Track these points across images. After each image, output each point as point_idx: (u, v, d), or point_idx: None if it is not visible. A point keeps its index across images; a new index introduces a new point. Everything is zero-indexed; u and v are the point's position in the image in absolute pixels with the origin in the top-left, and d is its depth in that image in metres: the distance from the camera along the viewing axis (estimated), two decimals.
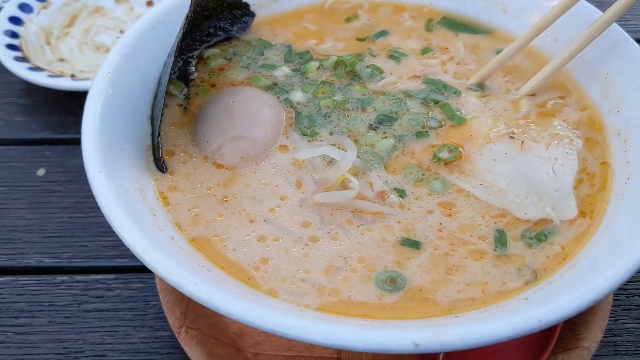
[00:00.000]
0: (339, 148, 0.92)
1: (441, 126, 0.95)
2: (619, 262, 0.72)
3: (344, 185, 0.86)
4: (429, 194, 0.87)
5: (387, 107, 0.97)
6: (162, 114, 0.92)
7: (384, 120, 0.95)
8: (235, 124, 0.95)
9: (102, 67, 0.93)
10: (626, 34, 0.99)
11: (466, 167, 0.90)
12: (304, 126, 0.96)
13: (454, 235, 0.83)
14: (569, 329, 0.95)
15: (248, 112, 0.97)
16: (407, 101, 0.98)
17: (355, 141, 0.93)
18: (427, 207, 0.86)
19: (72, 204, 1.21)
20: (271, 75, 1.05)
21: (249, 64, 1.08)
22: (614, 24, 1.01)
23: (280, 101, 1.00)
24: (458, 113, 0.95)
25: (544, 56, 1.09)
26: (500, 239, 0.82)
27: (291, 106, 1.00)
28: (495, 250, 0.82)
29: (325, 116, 0.97)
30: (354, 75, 1.04)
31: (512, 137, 0.91)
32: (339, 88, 1.01)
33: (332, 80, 1.03)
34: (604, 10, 0.98)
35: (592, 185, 0.89)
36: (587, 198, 0.87)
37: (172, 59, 0.94)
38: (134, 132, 0.92)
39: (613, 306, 1.01)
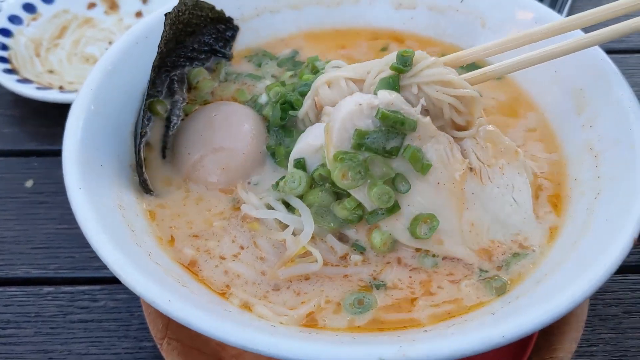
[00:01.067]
0: (286, 206, 0.88)
1: (407, 190, 0.85)
2: (583, 278, 0.74)
3: (305, 254, 0.84)
4: (411, 269, 0.86)
5: (349, 181, 0.83)
6: (142, 133, 0.94)
7: (345, 195, 0.87)
8: (216, 136, 0.97)
9: (84, 83, 0.95)
10: (600, 49, 1.01)
11: (446, 227, 0.86)
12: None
13: (422, 280, 0.85)
14: (544, 339, 0.96)
15: (229, 125, 0.99)
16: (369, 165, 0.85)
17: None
18: (388, 260, 0.87)
19: (59, 215, 1.23)
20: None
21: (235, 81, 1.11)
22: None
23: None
24: (424, 161, 0.85)
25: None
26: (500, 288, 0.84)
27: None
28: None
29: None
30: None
31: (471, 170, 0.89)
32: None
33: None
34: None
35: (552, 201, 0.93)
36: (553, 218, 0.91)
37: (151, 77, 0.96)
38: (115, 148, 0.94)
39: (589, 316, 1.03)
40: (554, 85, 1.05)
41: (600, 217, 0.84)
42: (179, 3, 1.03)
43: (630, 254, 1.09)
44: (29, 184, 1.28)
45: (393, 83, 0.88)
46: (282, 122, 0.98)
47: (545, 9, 1.10)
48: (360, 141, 0.84)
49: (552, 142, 1.03)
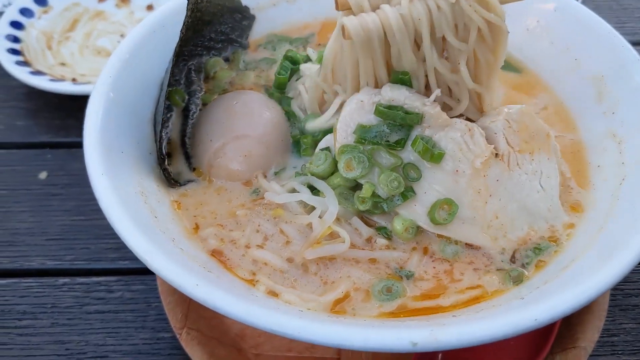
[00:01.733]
0: (311, 189, 0.88)
1: (419, 178, 0.85)
2: (613, 262, 0.74)
3: (331, 235, 0.84)
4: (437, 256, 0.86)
5: (354, 171, 0.85)
6: (163, 120, 0.94)
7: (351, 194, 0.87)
8: (238, 124, 0.96)
9: (103, 71, 0.94)
10: (621, 37, 1.00)
11: (467, 215, 0.85)
12: None
13: (446, 269, 0.85)
14: (566, 328, 0.96)
15: (250, 113, 0.98)
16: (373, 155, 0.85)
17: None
18: (413, 245, 0.87)
19: (74, 206, 1.22)
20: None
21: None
22: (610, 27, 1.02)
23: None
24: (436, 150, 0.84)
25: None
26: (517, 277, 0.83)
27: None
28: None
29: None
30: None
31: (496, 155, 0.86)
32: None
33: None
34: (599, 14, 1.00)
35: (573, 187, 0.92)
36: (574, 201, 0.90)
37: (171, 65, 0.95)
38: (135, 135, 0.94)
39: (610, 306, 1.02)
40: (574, 74, 1.04)
41: (625, 203, 0.84)
42: None
43: None
44: (42, 175, 1.28)
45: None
46: (283, 76, 1.01)
47: None
48: (362, 135, 0.85)
49: (572, 130, 1.02)
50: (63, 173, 1.28)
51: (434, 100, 0.86)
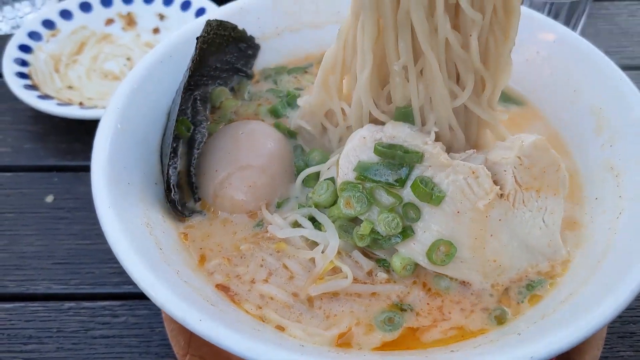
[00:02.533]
0: (313, 222, 0.90)
1: (418, 218, 0.85)
2: (610, 297, 0.75)
3: (333, 270, 0.86)
4: (433, 291, 0.87)
5: (353, 209, 0.86)
6: (170, 150, 0.96)
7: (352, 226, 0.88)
8: (244, 154, 0.98)
9: (110, 102, 0.96)
10: (619, 69, 1.02)
11: (466, 255, 0.85)
12: None
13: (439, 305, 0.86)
14: (564, 357, 0.97)
15: (256, 143, 1.01)
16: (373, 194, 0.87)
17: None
18: (413, 279, 0.88)
19: (80, 230, 1.24)
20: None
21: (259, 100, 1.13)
22: (608, 59, 1.04)
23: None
24: (435, 193, 0.84)
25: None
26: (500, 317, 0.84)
27: None
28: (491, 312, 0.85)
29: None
30: None
31: (501, 196, 0.85)
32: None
33: None
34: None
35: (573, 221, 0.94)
36: (574, 237, 0.91)
37: (180, 97, 0.97)
38: (142, 166, 0.95)
39: (608, 334, 1.04)
40: (573, 105, 1.06)
41: (622, 237, 0.85)
42: (205, 24, 1.04)
43: None
44: (49, 199, 1.30)
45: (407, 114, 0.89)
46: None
47: (565, 30, 1.11)
48: (363, 173, 0.87)
49: (570, 161, 1.03)
50: (69, 196, 1.30)
51: (435, 135, 0.88)
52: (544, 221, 0.87)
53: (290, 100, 1.10)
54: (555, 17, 1.48)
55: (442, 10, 0.81)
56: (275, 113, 1.09)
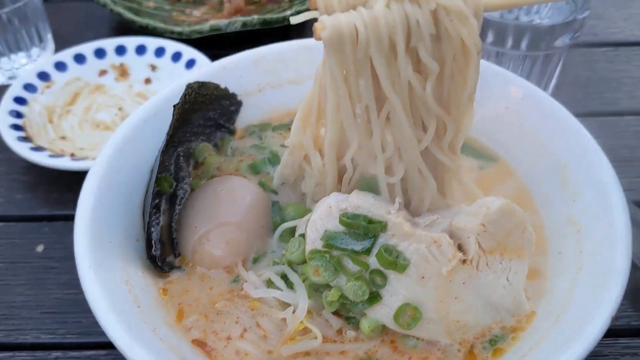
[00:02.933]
0: (285, 281, 0.94)
1: (384, 285, 0.88)
2: (567, 353, 0.78)
3: (304, 330, 0.89)
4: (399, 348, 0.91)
5: (321, 277, 0.89)
6: (152, 207, 1.00)
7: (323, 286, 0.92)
8: (222, 211, 1.03)
9: (95, 161, 1.01)
10: (582, 126, 1.06)
11: (432, 317, 0.88)
12: None
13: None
14: None
15: (234, 200, 1.05)
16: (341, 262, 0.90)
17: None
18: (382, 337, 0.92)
19: (68, 280, 1.27)
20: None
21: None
22: (574, 118, 1.08)
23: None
24: (400, 261, 0.87)
25: None
26: None
27: None
28: None
29: None
30: None
31: (464, 262, 0.88)
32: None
33: None
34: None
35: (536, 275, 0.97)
36: (537, 290, 0.95)
37: (159, 159, 1.02)
38: (124, 223, 1.00)
39: None
40: (541, 160, 1.11)
41: (581, 293, 0.89)
42: (186, 88, 1.09)
43: (621, 317, 1.14)
44: (39, 249, 1.34)
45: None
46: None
47: (532, 87, 1.16)
48: (329, 242, 0.90)
49: (537, 219, 1.07)
50: (59, 246, 1.34)
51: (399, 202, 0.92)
52: (508, 280, 0.91)
53: (273, 158, 1.15)
54: (532, 66, 1.53)
55: (403, 53, 0.83)
56: (254, 169, 1.14)
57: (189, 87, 1.10)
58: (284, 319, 0.90)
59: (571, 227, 0.99)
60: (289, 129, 1.22)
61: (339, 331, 0.91)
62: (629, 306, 1.17)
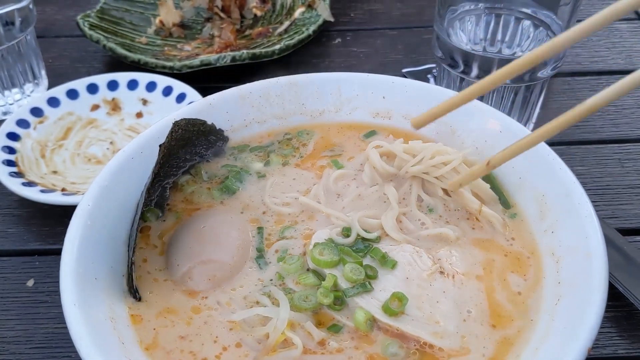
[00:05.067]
0: (270, 299, 0.98)
1: (376, 276, 0.98)
2: None
3: (285, 342, 0.92)
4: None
5: (324, 257, 1.00)
6: (135, 242, 1.02)
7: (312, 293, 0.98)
8: (205, 248, 1.05)
9: (82, 199, 1.03)
10: (558, 158, 1.09)
11: (415, 314, 0.95)
12: None
13: None
14: None
15: (217, 236, 1.07)
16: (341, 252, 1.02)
17: (296, 284, 1.00)
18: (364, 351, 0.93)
19: (58, 314, 1.29)
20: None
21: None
22: (550, 149, 1.11)
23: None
24: (388, 258, 1.00)
25: None
26: None
27: None
28: None
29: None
30: None
31: (442, 273, 1.00)
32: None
33: None
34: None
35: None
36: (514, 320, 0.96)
37: (145, 191, 1.04)
38: (110, 260, 1.02)
39: None
40: (520, 192, 1.13)
41: (559, 324, 0.90)
42: (172, 126, 1.12)
43: (607, 346, 1.16)
44: (30, 283, 1.35)
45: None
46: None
47: (510, 121, 1.19)
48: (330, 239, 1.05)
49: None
50: (49, 280, 1.35)
51: None
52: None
53: (236, 175, 1.20)
54: (515, 97, 1.56)
55: None
56: (228, 190, 1.18)
57: (176, 124, 1.12)
58: (267, 335, 0.92)
59: (550, 258, 1.01)
60: (268, 149, 1.26)
61: (321, 343, 0.92)
62: (615, 334, 1.18)
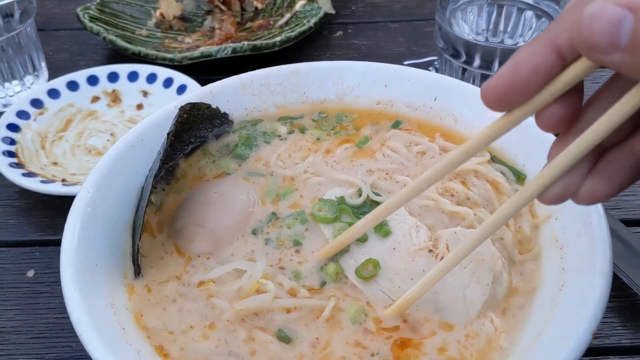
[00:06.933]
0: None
1: (365, 240, 1.00)
2: None
3: (258, 292, 0.95)
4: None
5: (323, 212, 1.03)
6: (142, 229, 1.01)
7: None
8: (206, 212, 1.08)
9: (82, 187, 1.03)
10: None
11: (384, 284, 0.96)
12: None
13: None
14: None
15: (220, 205, 1.10)
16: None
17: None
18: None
19: (58, 304, 1.28)
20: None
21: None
22: (553, 135, 1.10)
23: None
24: (385, 226, 1.00)
25: None
26: None
27: None
28: None
29: None
30: None
31: (430, 252, 0.98)
32: None
33: None
34: None
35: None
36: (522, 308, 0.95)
37: (152, 180, 1.04)
38: (110, 246, 1.01)
39: None
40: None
41: (563, 309, 0.89)
42: (178, 112, 1.12)
43: (611, 335, 1.15)
44: (30, 273, 1.34)
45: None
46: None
47: None
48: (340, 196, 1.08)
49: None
50: (50, 271, 1.35)
51: None
52: (464, 295, 0.95)
53: (246, 141, 1.22)
54: None
55: None
56: (239, 157, 1.20)
57: (181, 109, 1.12)
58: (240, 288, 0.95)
59: (554, 245, 1.00)
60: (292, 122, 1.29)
61: (291, 292, 0.95)
62: (618, 324, 1.17)
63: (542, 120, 0.68)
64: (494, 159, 1.17)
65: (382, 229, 1.00)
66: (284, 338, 0.90)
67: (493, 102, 0.67)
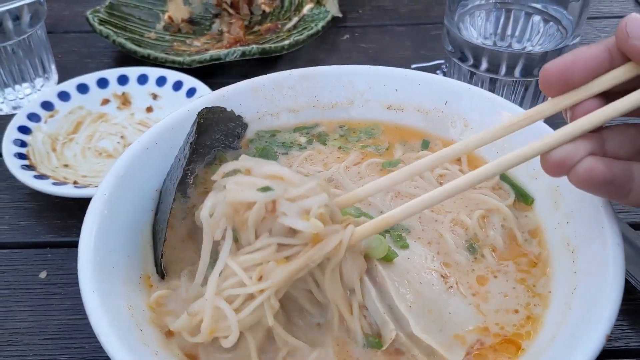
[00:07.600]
0: None
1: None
2: None
3: None
4: None
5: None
6: (165, 236, 1.02)
7: None
8: None
9: (98, 189, 1.04)
10: None
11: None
12: None
13: None
14: None
15: None
16: None
17: None
18: None
19: (71, 305, 1.29)
20: None
21: None
22: None
23: None
24: (403, 241, 1.01)
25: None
26: None
27: None
28: None
29: None
30: None
31: (443, 278, 0.98)
32: None
33: None
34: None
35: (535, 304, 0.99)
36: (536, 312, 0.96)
37: (175, 189, 1.05)
38: (127, 248, 1.02)
39: None
40: (534, 182, 1.13)
41: (576, 312, 0.90)
42: (196, 118, 1.14)
43: (620, 338, 1.16)
44: (42, 275, 1.35)
45: None
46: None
47: (520, 110, 1.19)
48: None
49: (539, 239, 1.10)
50: (62, 272, 1.36)
51: None
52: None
53: (261, 152, 1.24)
54: (525, 91, 1.57)
55: None
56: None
57: (199, 115, 1.14)
58: None
59: (566, 249, 1.01)
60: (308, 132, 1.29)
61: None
62: (627, 327, 1.18)
63: (576, 113, 0.82)
64: (503, 178, 1.17)
65: (401, 241, 1.00)
66: None
67: (552, 80, 0.80)
